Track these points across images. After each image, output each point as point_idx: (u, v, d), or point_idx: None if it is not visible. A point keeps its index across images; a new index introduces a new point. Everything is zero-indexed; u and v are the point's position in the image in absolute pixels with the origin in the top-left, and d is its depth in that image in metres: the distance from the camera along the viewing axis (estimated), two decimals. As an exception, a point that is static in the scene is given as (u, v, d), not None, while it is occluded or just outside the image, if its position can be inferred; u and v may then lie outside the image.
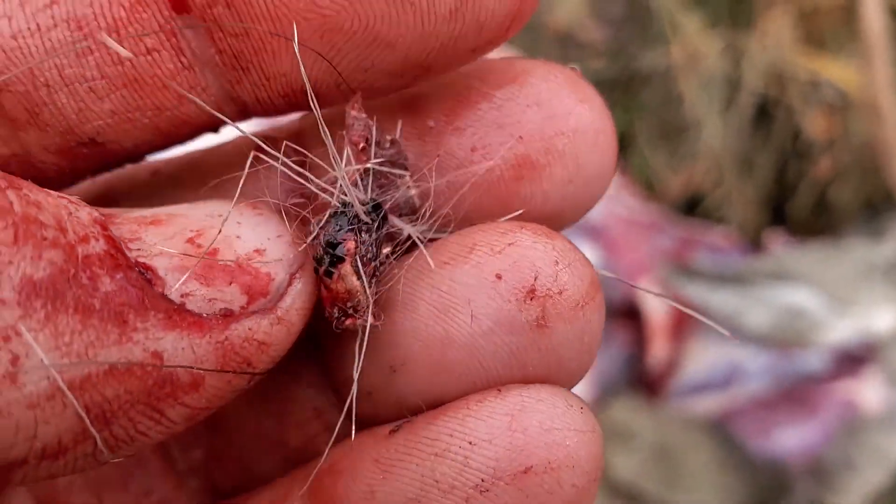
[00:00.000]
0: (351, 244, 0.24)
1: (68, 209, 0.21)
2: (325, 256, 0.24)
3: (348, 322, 0.24)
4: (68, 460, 0.20)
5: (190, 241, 0.22)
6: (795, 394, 1.02)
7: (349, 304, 0.24)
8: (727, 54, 1.00)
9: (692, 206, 1.09)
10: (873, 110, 0.96)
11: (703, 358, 1.04)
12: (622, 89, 0.96)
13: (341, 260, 0.24)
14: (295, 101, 0.25)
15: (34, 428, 0.19)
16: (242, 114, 0.26)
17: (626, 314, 1.04)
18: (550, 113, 0.25)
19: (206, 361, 0.21)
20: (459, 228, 0.25)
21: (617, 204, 1.02)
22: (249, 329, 0.22)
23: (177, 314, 0.21)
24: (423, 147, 0.26)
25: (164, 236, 0.22)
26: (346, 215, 0.24)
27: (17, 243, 0.19)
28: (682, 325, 1.05)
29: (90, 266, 0.20)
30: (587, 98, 0.25)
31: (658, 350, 1.05)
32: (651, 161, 1.06)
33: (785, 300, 0.98)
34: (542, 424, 0.22)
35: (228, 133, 0.27)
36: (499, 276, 0.23)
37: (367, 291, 0.24)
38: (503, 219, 0.25)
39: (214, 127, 0.26)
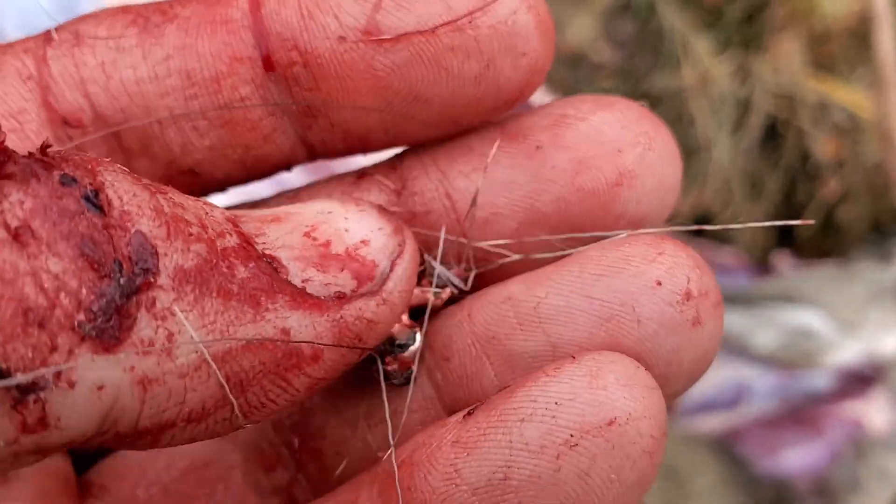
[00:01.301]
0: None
1: (205, 210, 0.24)
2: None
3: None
4: (209, 424, 0.23)
5: (306, 234, 0.26)
6: (802, 413, 1.03)
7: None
8: (738, 76, 1.01)
9: (701, 227, 1.09)
10: (883, 133, 0.97)
11: (711, 377, 1.04)
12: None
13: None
14: (351, 144, 0.31)
15: (183, 395, 0.22)
16: (311, 155, 0.31)
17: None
18: (640, 131, 0.29)
19: (324, 337, 0.24)
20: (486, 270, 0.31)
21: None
22: (360, 309, 0.25)
23: (300, 296, 0.24)
24: (530, 164, 0.29)
25: (284, 231, 0.26)
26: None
27: (170, 238, 0.22)
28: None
29: (227, 257, 0.23)
30: (660, 124, 0.30)
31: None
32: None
33: (793, 321, 0.99)
34: (619, 381, 0.24)
35: (297, 172, 0.33)
36: (658, 283, 0.26)
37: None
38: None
39: (288, 166, 0.32)
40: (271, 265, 0.24)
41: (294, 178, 0.34)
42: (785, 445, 1.01)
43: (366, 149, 0.31)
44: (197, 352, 0.22)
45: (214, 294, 0.22)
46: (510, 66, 0.28)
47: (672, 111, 1.03)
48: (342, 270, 0.25)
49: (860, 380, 1.01)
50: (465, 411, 0.26)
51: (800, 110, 0.99)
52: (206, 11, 0.29)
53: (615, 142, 0.29)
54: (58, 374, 0.20)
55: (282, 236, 0.26)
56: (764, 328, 0.98)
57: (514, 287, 0.28)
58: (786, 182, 1.04)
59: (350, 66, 0.28)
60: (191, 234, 0.23)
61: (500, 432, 0.25)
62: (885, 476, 1.00)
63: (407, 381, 0.30)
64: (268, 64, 0.28)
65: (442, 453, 0.25)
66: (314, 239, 0.26)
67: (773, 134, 1.04)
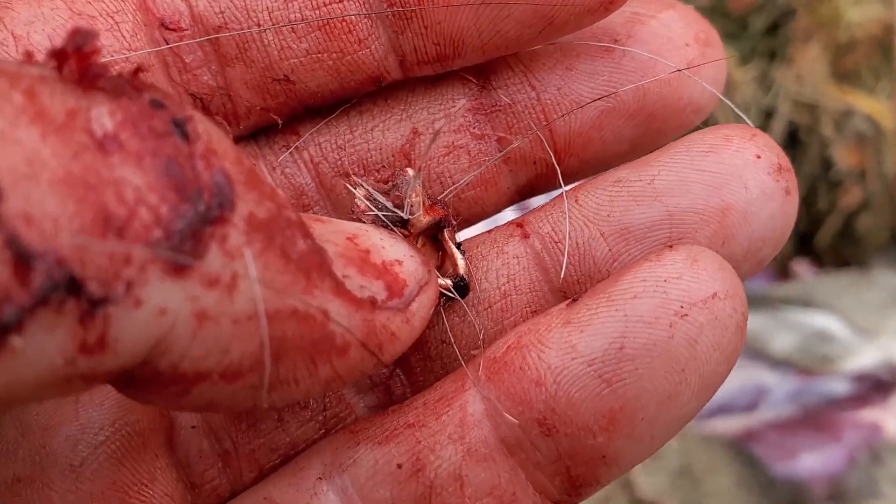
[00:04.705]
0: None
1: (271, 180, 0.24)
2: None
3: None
4: (236, 388, 0.23)
5: (349, 239, 0.27)
6: (819, 418, 1.03)
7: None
8: (761, 84, 1.02)
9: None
10: (903, 144, 0.98)
11: (729, 380, 1.05)
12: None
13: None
14: (443, 50, 0.31)
15: (229, 343, 0.21)
16: (402, 67, 0.31)
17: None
18: (699, 28, 0.32)
19: (356, 332, 0.24)
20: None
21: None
22: (388, 319, 0.25)
23: (342, 287, 0.24)
24: (611, 56, 0.31)
25: (329, 230, 0.27)
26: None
27: (247, 186, 0.22)
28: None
29: (290, 226, 0.23)
30: (710, 24, 0.33)
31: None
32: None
33: (811, 325, 0.99)
34: (714, 265, 0.26)
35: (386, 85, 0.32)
36: (758, 156, 0.28)
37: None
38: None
39: (378, 81, 0.31)
40: (321, 250, 0.24)
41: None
42: (802, 449, 1.02)
43: (457, 55, 0.31)
44: (252, 301, 0.21)
45: (278, 252, 0.22)
46: None
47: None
48: (377, 279, 0.26)
49: (878, 386, 1.02)
50: (568, 300, 0.29)
51: (822, 119, 1.00)
52: None
53: (682, 36, 0.31)
54: (128, 289, 0.19)
55: (327, 233, 0.26)
56: (782, 331, 0.99)
57: (621, 172, 0.31)
58: (807, 189, 1.05)
59: None
60: (264, 192, 0.22)
61: (614, 309, 0.27)
62: (901, 482, 1.00)
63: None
64: None
65: (553, 334, 0.27)
66: (356, 244, 0.27)
67: (794, 142, 1.05)
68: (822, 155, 1.03)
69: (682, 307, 0.26)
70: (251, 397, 0.23)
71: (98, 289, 0.19)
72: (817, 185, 1.05)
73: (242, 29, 0.29)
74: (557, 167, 0.32)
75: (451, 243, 0.31)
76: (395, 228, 0.30)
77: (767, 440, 1.02)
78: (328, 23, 0.29)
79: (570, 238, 0.30)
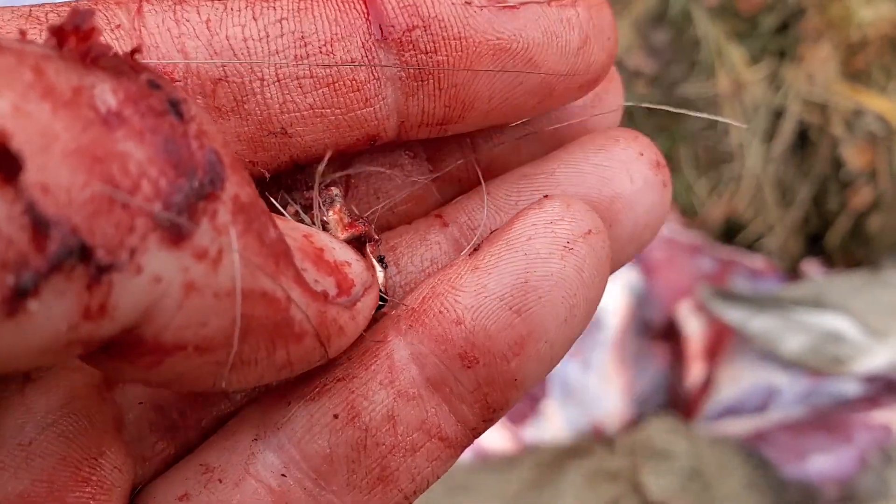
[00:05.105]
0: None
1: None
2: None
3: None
4: (203, 363, 0.24)
5: (305, 236, 0.29)
6: (830, 419, 1.03)
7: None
8: (771, 84, 1.02)
9: (731, 234, 1.10)
10: (914, 143, 0.98)
11: (739, 381, 1.05)
12: (667, 116, 0.98)
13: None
14: (451, 114, 0.33)
15: (208, 316, 0.23)
16: (400, 129, 0.33)
17: (666, 335, 1.06)
18: (617, 85, 0.36)
19: (312, 321, 0.27)
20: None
21: (658, 227, 1.04)
22: (337, 313, 0.28)
23: (301, 277, 0.26)
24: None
25: (287, 227, 0.29)
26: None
27: (233, 170, 0.24)
28: (719, 348, 1.06)
29: (263, 213, 0.25)
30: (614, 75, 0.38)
31: (696, 373, 1.06)
32: (693, 187, 1.08)
33: (822, 325, 0.99)
34: (583, 209, 0.31)
35: (381, 148, 0.34)
36: (641, 154, 0.33)
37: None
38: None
39: (374, 140, 0.33)
40: (285, 241, 0.26)
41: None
42: (812, 451, 1.01)
43: (461, 119, 0.32)
44: (231, 278, 0.23)
45: (255, 235, 0.24)
46: (600, 46, 0.32)
47: (706, 118, 1.04)
48: (329, 276, 0.28)
49: (890, 387, 1.02)
50: (468, 251, 0.32)
51: (833, 118, 1.00)
52: None
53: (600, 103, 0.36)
54: (131, 257, 0.21)
55: (286, 229, 0.28)
56: (793, 332, 0.99)
57: (526, 169, 0.35)
58: (817, 190, 1.05)
59: (474, 29, 0.30)
60: (244, 177, 0.24)
61: (514, 250, 0.31)
62: (913, 484, 1.00)
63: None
64: (382, 28, 0.30)
65: (465, 280, 0.31)
66: (311, 242, 0.29)
67: (804, 142, 1.05)
68: (833, 155, 1.03)
69: (568, 242, 0.30)
70: (214, 374, 0.25)
71: (105, 256, 0.20)
72: (827, 185, 1.05)
73: (243, 81, 0.30)
74: (483, 185, 0.36)
75: (371, 257, 0.34)
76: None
77: (778, 441, 1.02)
78: (337, 80, 0.31)
79: (483, 225, 0.35)
